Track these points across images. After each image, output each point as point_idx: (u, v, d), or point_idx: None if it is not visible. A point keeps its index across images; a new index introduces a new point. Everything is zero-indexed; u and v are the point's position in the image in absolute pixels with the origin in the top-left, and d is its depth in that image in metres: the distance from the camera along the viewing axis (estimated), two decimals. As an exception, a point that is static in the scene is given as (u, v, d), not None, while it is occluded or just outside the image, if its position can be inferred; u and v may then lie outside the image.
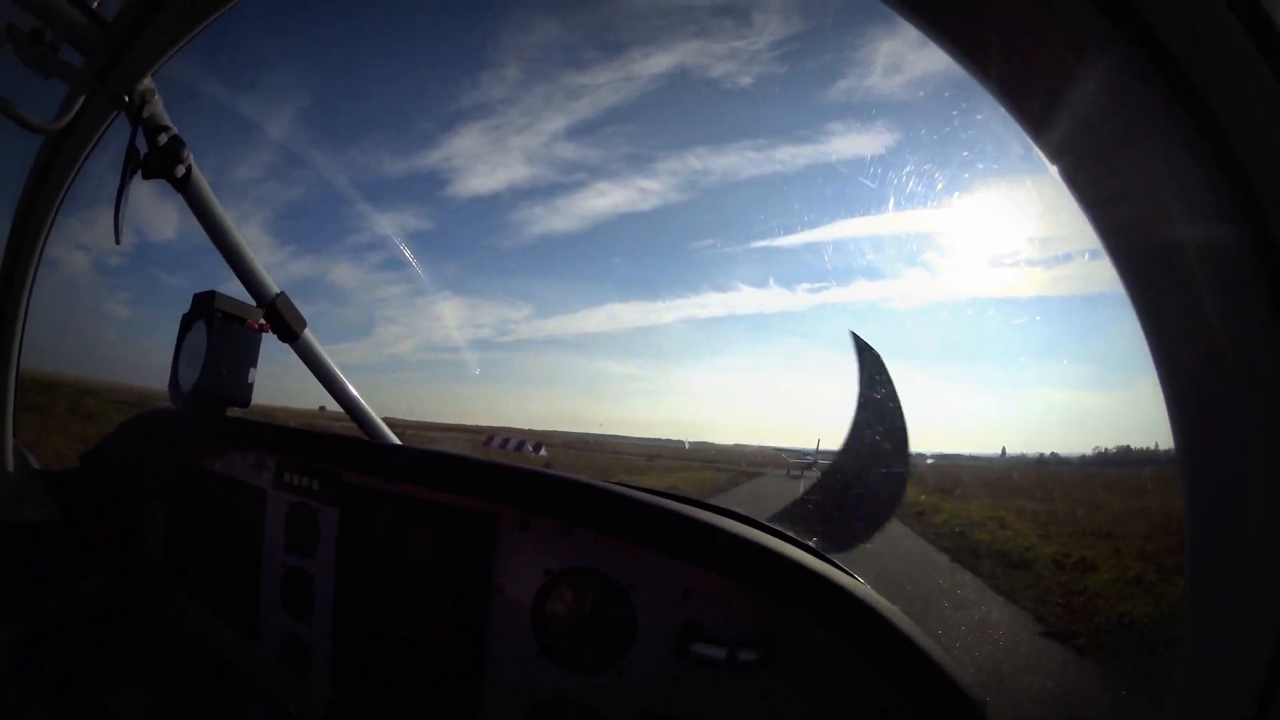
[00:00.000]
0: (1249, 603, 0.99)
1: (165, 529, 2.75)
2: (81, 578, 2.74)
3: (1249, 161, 0.87)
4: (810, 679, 1.55)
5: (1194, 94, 0.87)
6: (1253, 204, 0.88)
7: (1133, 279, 1.01)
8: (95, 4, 1.94)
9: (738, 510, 1.84)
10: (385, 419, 2.92)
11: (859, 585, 1.54)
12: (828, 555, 1.69)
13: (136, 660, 2.61)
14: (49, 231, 2.73)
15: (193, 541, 2.67)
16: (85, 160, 2.52)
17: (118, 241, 2.27)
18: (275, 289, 2.65)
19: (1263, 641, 0.97)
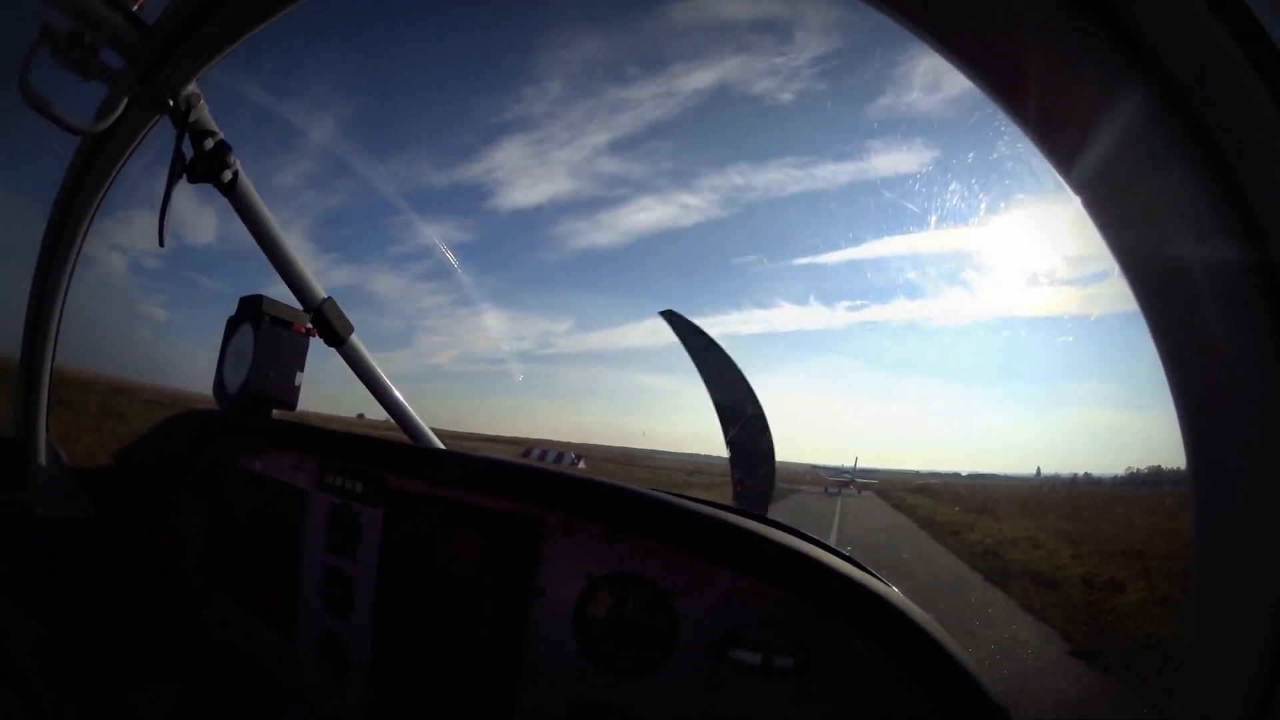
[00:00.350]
0: (1249, 608, 1.01)
1: (202, 528, 2.76)
2: (114, 575, 2.76)
3: (1249, 188, 0.91)
4: (844, 688, 1.54)
5: (1202, 130, 0.92)
6: (1253, 226, 0.92)
7: (1145, 297, 1.03)
8: (136, 7, 1.91)
9: (778, 520, 1.81)
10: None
11: (895, 595, 1.54)
12: (865, 565, 1.67)
13: (168, 659, 2.63)
14: (86, 232, 2.74)
15: (230, 541, 2.67)
16: (125, 163, 2.49)
17: (161, 244, 2.25)
18: (323, 293, 2.61)
19: (1262, 647, 1.00)
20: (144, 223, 2.27)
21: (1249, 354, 0.96)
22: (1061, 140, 1.02)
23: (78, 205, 2.63)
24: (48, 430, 2.97)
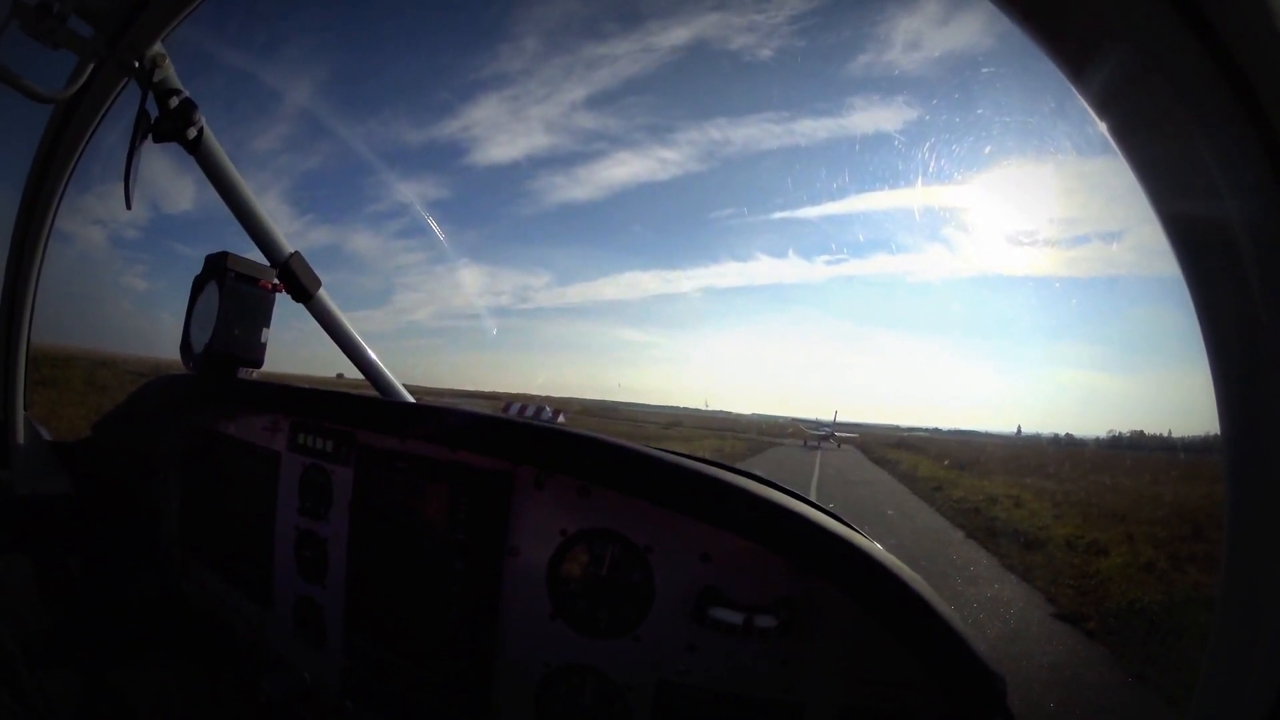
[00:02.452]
0: None
1: (180, 497, 2.73)
2: (97, 553, 2.74)
3: None
4: (829, 648, 1.52)
5: (1232, 64, 0.84)
6: None
7: (1183, 250, 0.97)
8: None
9: (758, 473, 1.78)
10: (404, 385, 2.88)
11: (879, 550, 1.52)
12: (849, 521, 1.66)
13: (154, 634, 2.61)
14: (59, 204, 2.70)
15: (207, 509, 2.62)
16: (96, 131, 2.47)
17: (128, 207, 2.22)
18: (289, 248, 2.61)
19: None
20: (120, 194, 2.19)
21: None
22: (1092, 66, 0.94)
23: (50, 177, 2.59)
24: (26, 408, 2.92)
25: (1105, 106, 0.95)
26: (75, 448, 2.92)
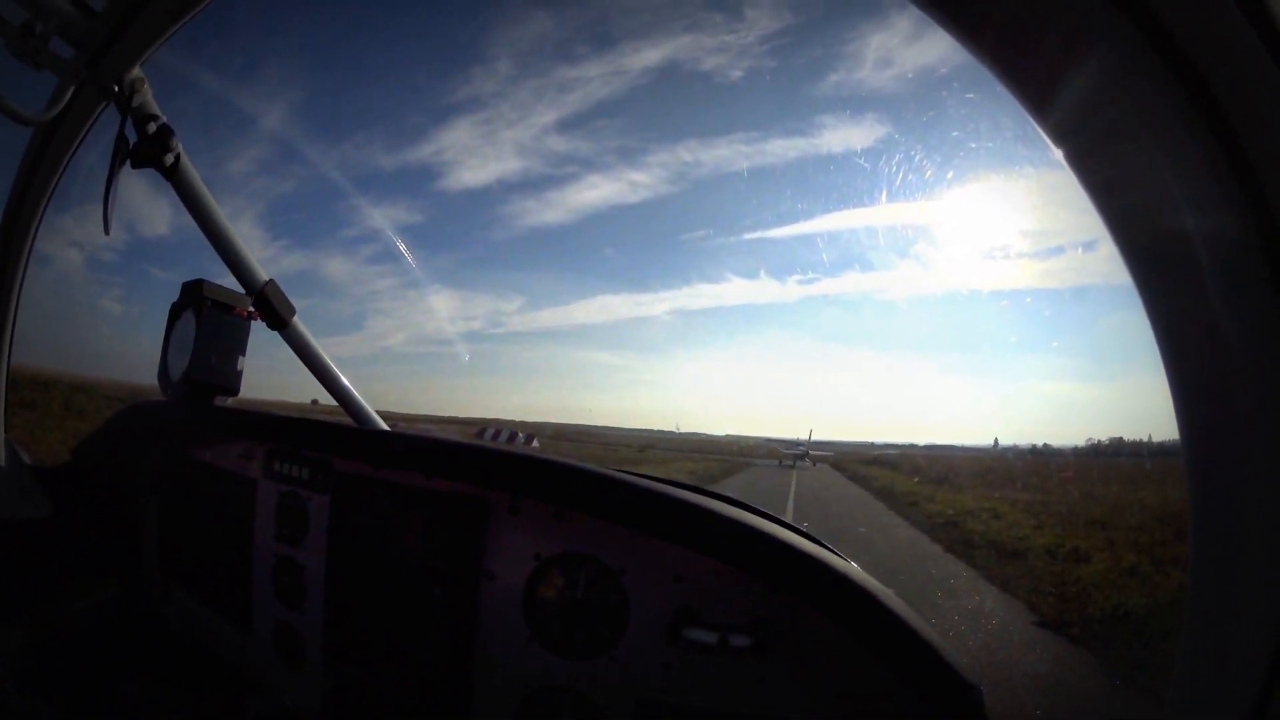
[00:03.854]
0: (1250, 597, 0.97)
1: (158, 523, 2.73)
2: (77, 576, 2.71)
3: (1252, 153, 0.86)
4: (806, 666, 1.54)
5: (1197, 82, 0.87)
6: (1257, 196, 0.87)
7: (1138, 268, 0.99)
8: None
9: (730, 495, 1.82)
10: (378, 412, 2.86)
11: (853, 569, 1.53)
12: (822, 541, 1.68)
13: (136, 660, 2.58)
14: (38, 226, 2.69)
15: (186, 535, 2.64)
16: (75, 154, 2.48)
17: (106, 232, 2.24)
18: (264, 276, 2.58)
19: (1263, 635, 0.96)
20: (99, 218, 2.20)
21: (1252, 335, 0.92)
22: (1052, 98, 0.97)
23: (30, 199, 2.60)
24: (7, 430, 2.89)
25: (1063, 135, 0.98)
26: (55, 472, 2.90)
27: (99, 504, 2.83)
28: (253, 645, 2.30)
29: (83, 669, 2.45)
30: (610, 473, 1.76)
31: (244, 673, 2.34)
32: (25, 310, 2.82)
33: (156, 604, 2.69)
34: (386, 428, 2.75)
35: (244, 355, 2.68)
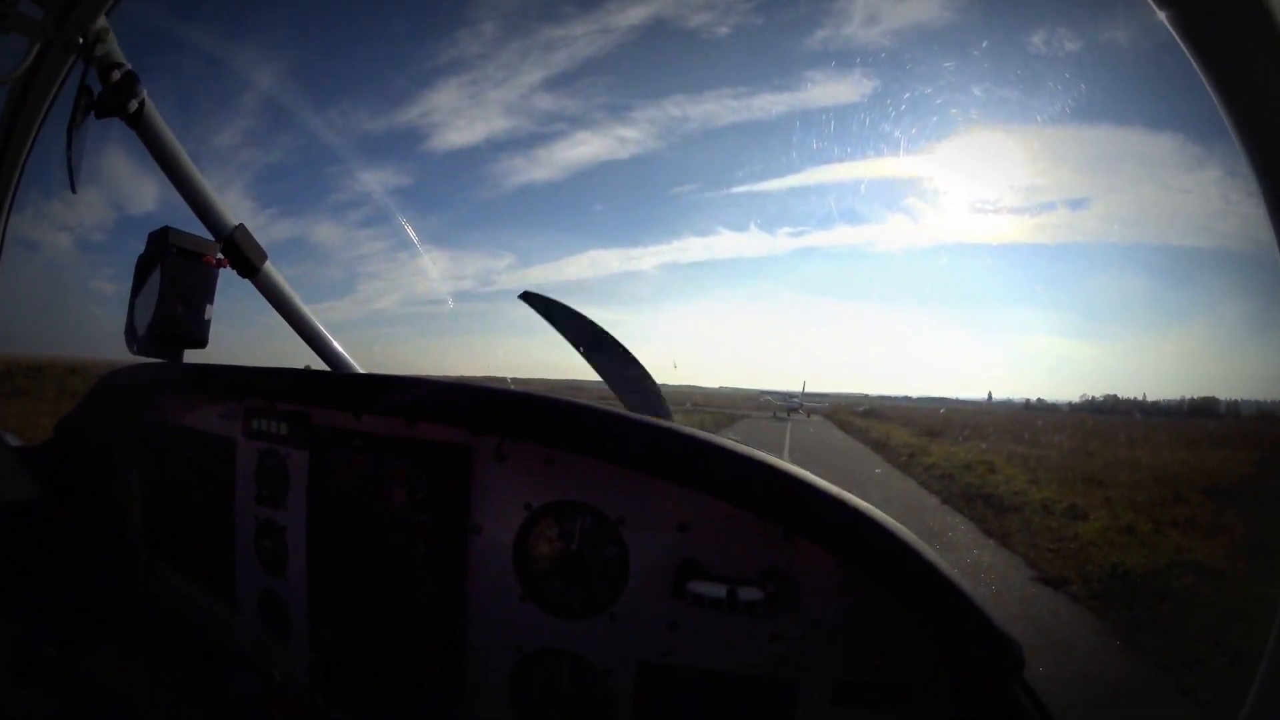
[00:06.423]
0: None
1: (142, 495, 2.64)
2: (61, 556, 2.62)
3: None
4: (821, 619, 1.46)
5: None
6: None
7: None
8: None
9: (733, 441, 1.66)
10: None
11: (878, 513, 1.40)
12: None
13: (123, 637, 2.52)
14: (14, 195, 2.67)
15: (169, 505, 2.56)
16: (48, 116, 2.47)
17: (73, 190, 2.26)
18: (234, 221, 2.53)
19: None
20: (86, 201, 2.04)
21: None
22: None
23: (5, 164, 2.60)
24: None
25: None
26: (40, 452, 2.81)
27: (84, 481, 2.73)
28: (238, 619, 2.21)
29: (70, 651, 2.33)
30: (605, 408, 1.62)
31: (231, 649, 2.26)
32: (14, 301, 2.77)
33: (144, 581, 2.62)
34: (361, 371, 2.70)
35: (211, 304, 2.58)
